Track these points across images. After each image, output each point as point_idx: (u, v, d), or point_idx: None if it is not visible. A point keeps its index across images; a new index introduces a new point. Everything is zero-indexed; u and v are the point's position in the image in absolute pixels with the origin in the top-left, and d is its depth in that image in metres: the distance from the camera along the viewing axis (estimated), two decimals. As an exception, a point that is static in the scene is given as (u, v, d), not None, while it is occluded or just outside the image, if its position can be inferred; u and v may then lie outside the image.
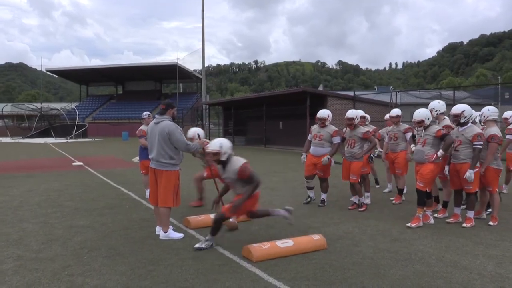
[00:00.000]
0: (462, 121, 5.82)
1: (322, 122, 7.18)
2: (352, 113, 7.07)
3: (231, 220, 5.59)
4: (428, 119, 5.90)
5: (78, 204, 7.54)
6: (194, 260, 4.41)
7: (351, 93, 23.30)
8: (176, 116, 5.48)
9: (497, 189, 6.04)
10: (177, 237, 5.24)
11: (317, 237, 4.88)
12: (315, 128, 7.32)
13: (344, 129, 7.39)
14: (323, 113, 7.25)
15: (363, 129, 7.04)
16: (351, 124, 7.02)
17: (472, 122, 5.92)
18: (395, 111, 7.58)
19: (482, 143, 5.65)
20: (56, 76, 64.92)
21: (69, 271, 4.11)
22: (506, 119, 7.64)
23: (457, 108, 5.88)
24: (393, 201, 7.49)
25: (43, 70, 61.25)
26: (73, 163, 15.06)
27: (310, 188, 7.42)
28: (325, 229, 5.63)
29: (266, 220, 6.18)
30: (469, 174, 5.59)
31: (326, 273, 4.03)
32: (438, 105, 6.54)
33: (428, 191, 5.78)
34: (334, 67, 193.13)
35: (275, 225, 5.89)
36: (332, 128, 7.15)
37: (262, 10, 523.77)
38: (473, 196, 5.88)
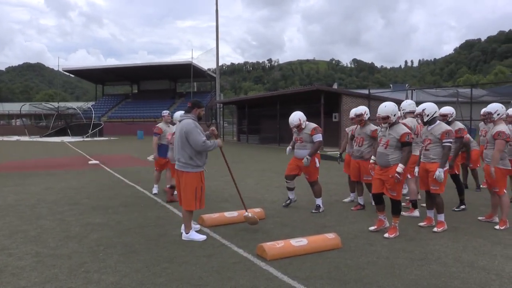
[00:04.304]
0: (425, 119, 5.64)
1: (298, 128, 6.79)
2: (360, 109, 6.93)
3: (250, 215, 5.58)
4: (394, 115, 5.35)
5: (94, 202, 7.64)
6: (209, 258, 4.44)
7: (366, 91, 23.12)
8: (202, 116, 5.29)
9: (505, 190, 5.69)
10: (198, 239, 5.12)
11: (331, 235, 4.85)
12: (294, 130, 6.92)
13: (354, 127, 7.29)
14: (293, 119, 6.80)
15: (373, 126, 6.80)
16: (361, 120, 6.83)
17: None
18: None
19: (451, 140, 5.48)
20: (73, 75, 65.84)
21: (86, 267, 4.16)
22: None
23: (418, 107, 5.82)
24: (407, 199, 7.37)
25: (60, 70, 62.24)
26: (89, 162, 15.26)
27: (290, 189, 7.06)
28: (339, 228, 5.60)
29: (280, 218, 6.19)
30: (439, 173, 5.34)
31: (341, 272, 4.01)
32: (405, 104, 6.97)
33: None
34: (349, 65, 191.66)
35: (289, 224, 5.88)
36: (310, 126, 6.77)
37: (277, 8, 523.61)
38: (440, 198, 5.56)
